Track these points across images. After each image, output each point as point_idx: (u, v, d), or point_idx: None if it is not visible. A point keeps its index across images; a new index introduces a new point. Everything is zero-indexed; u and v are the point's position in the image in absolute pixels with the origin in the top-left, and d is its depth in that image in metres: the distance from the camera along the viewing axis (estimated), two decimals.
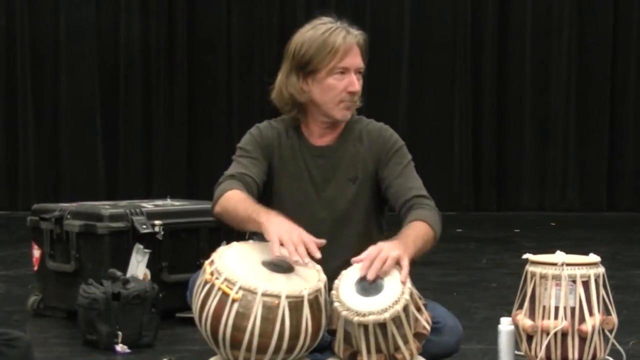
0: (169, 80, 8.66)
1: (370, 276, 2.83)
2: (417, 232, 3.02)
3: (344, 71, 3.14)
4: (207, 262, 2.94)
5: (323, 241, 2.92)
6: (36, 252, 4.08)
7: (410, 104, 8.68)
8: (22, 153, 8.56)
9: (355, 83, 3.15)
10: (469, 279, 5.12)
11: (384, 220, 3.31)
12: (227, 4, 8.69)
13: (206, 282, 2.88)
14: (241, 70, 8.68)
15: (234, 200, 3.05)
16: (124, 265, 3.78)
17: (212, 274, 2.87)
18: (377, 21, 8.61)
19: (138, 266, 3.82)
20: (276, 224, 2.91)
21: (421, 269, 3.99)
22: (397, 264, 2.85)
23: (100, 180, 8.53)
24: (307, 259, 2.84)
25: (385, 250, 2.86)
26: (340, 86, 3.14)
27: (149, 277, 3.82)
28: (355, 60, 3.16)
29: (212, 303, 2.84)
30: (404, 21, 8.70)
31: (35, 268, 4.11)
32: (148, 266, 3.86)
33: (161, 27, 8.62)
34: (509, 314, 3.15)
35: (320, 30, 3.15)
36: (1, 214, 8.27)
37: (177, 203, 4.26)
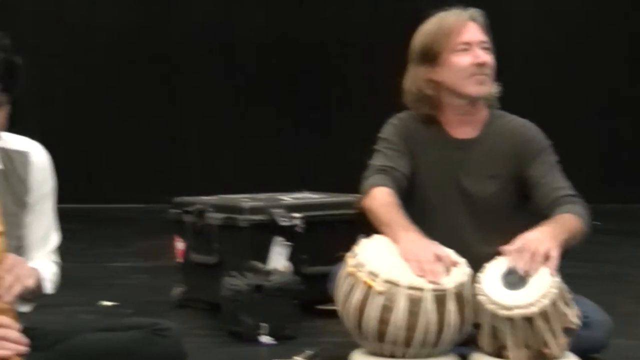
0: (292, 79, 8.73)
1: (522, 269, 2.78)
2: (566, 222, 2.96)
3: (466, 47, 3.12)
4: (348, 254, 2.94)
5: (457, 260, 2.90)
6: (179, 245, 4.14)
7: None
8: (155, 149, 8.77)
9: (480, 55, 3.12)
10: (610, 272, 4.99)
11: (526, 217, 3.24)
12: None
13: (349, 275, 2.88)
14: (362, 67, 8.65)
15: (378, 202, 3.05)
16: (264, 258, 3.79)
17: (354, 266, 2.88)
18: None
19: (279, 259, 3.84)
20: (410, 242, 2.90)
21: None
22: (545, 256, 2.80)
23: (229, 175, 8.66)
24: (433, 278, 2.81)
25: (534, 242, 2.81)
26: (466, 61, 3.12)
27: (289, 269, 3.84)
28: (475, 34, 3.14)
29: (356, 296, 2.84)
30: None
31: (180, 260, 4.16)
32: (287, 258, 3.88)
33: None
34: None
35: (433, 20, 3.18)
36: (138, 207, 8.45)
37: (314, 195, 4.26)
